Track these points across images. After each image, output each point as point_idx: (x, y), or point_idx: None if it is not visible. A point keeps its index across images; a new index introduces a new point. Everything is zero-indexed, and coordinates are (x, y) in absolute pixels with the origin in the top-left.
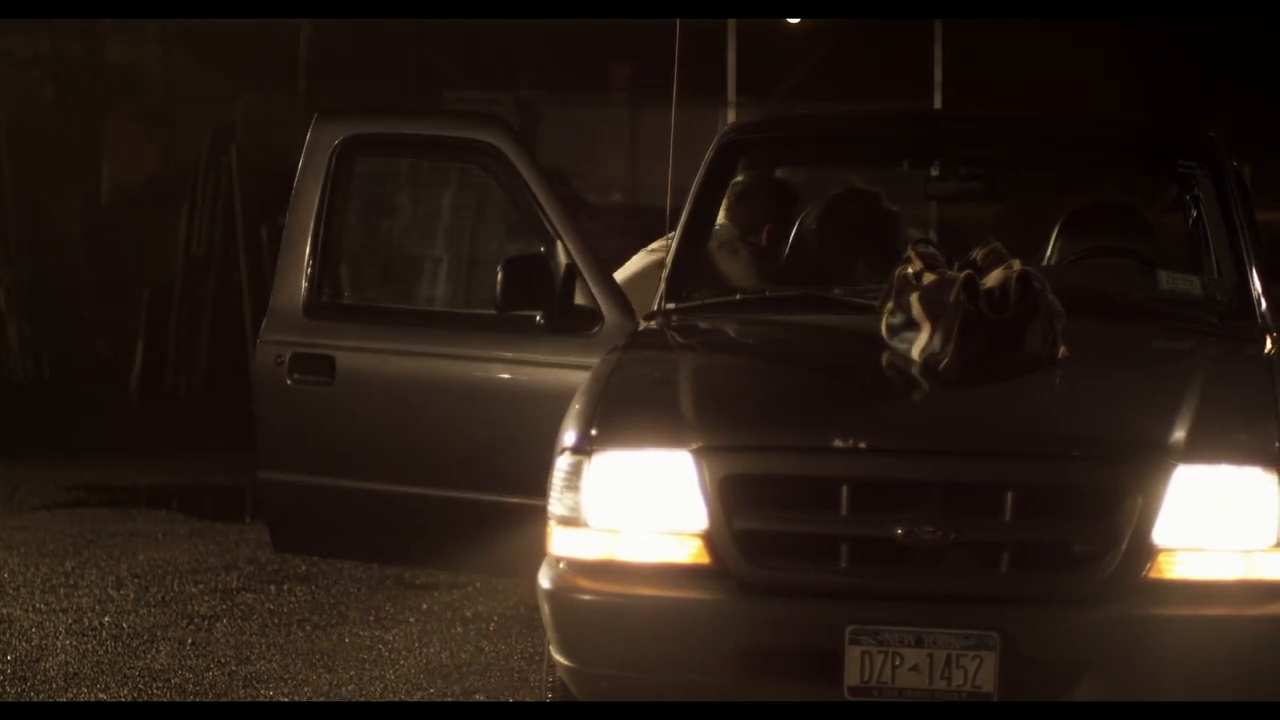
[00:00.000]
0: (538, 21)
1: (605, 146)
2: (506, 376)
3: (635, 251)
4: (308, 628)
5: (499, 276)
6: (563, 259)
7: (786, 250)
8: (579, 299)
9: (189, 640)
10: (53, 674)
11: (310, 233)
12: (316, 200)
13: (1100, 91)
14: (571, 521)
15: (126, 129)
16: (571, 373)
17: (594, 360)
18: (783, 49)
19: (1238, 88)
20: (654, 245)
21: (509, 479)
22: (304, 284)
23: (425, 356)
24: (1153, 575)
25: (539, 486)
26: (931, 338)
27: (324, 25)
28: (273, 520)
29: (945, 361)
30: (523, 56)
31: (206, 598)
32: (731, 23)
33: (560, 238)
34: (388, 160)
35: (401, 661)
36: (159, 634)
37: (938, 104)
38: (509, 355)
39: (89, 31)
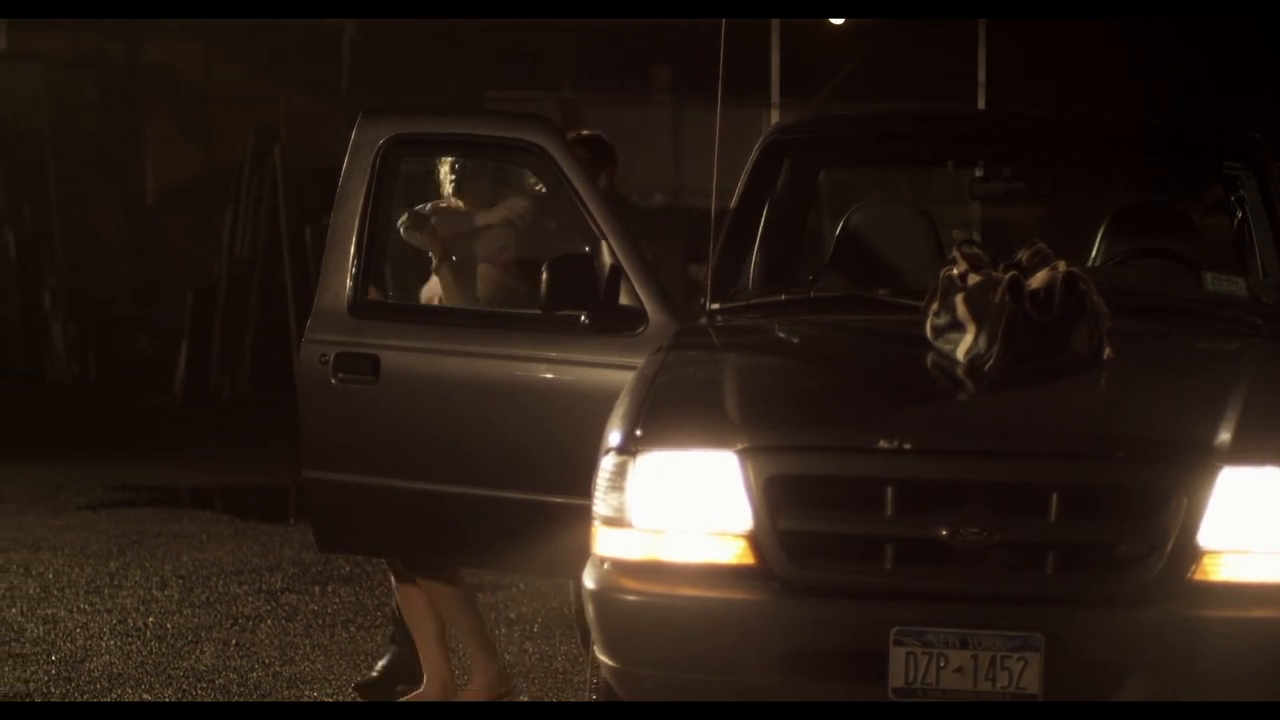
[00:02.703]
0: (580, 22)
1: (648, 147)
2: (551, 376)
3: (679, 252)
4: (351, 629)
5: (544, 276)
6: (607, 259)
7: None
8: (624, 299)
9: (233, 641)
10: (97, 674)
11: (355, 232)
12: (361, 200)
13: (1145, 92)
14: (616, 522)
15: (169, 130)
16: (617, 373)
17: (639, 360)
18: (826, 50)
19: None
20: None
21: (554, 479)
22: (349, 283)
23: (470, 356)
24: (1198, 577)
25: (584, 487)
26: (976, 339)
27: (367, 26)
28: (317, 520)
29: (990, 362)
30: (565, 57)
31: (250, 599)
32: (775, 23)
33: (605, 238)
34: (432, 160)
35: None
36: (203, 635)
37: (981, 105)
38: (554, 355)
39: (131, 32)
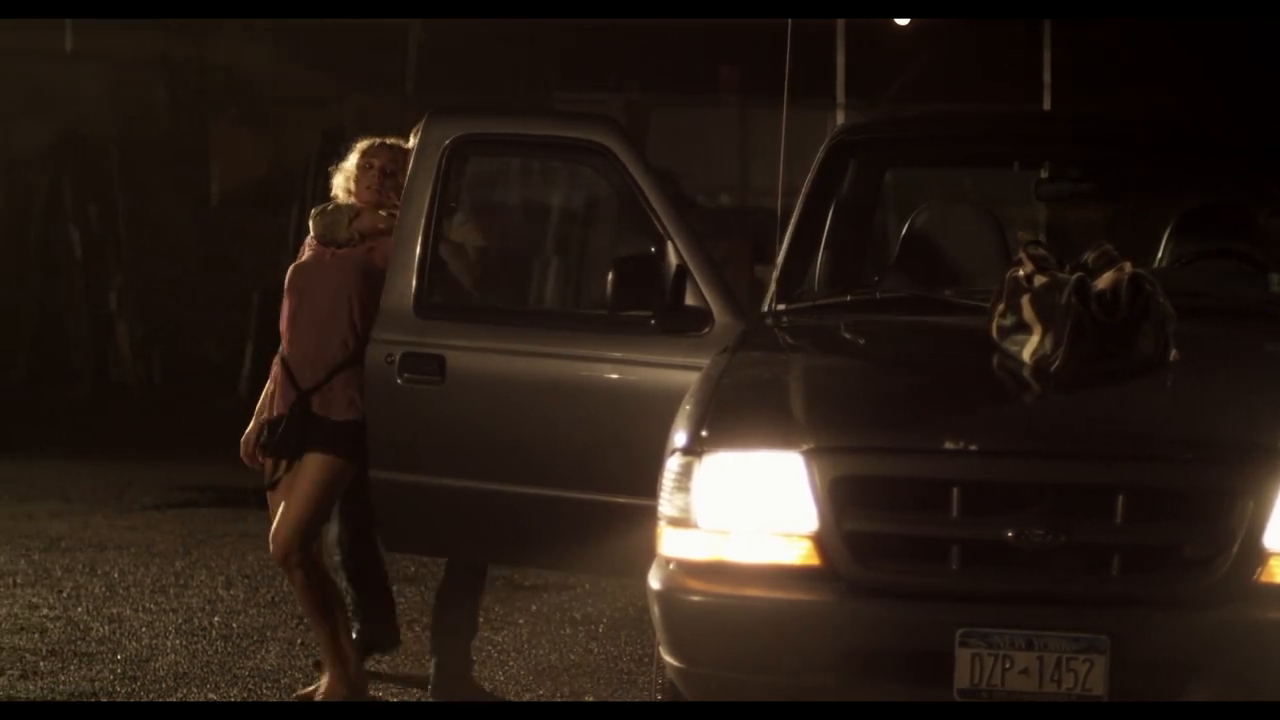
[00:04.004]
0: (647, 22)
1: (714, 148)
2: (616, 377)
3: (745, 252)
4: (416, 629)
5: (610, 276)
6: (673, 260)
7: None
8: (690, 299)
9: (299, 641)
10: (163, 674)
11: (421, 232)
12: (427, 199)
13: (1213, 93)
14: (682, 522)
15: (235, 130)
16: (683, 373)
17: (705, 361)
18: (892, 50)
19: None
20: None
21: (620, 479)
22: (414, 283)
23: (535, 356)
24: (1264, 579)
25: (649, 487)
26: (1043, 340)
27: (433, 26)
28: (383, 519)
29: (1056, 364)
30: (631, 58)
31: None
32: (840, 23)
33: (672, 239)
34: (498, 160)
35: (510, 663)
36: (268, 634)
37: (1047, 105)
38: (619, 355)
39: (197, 33)
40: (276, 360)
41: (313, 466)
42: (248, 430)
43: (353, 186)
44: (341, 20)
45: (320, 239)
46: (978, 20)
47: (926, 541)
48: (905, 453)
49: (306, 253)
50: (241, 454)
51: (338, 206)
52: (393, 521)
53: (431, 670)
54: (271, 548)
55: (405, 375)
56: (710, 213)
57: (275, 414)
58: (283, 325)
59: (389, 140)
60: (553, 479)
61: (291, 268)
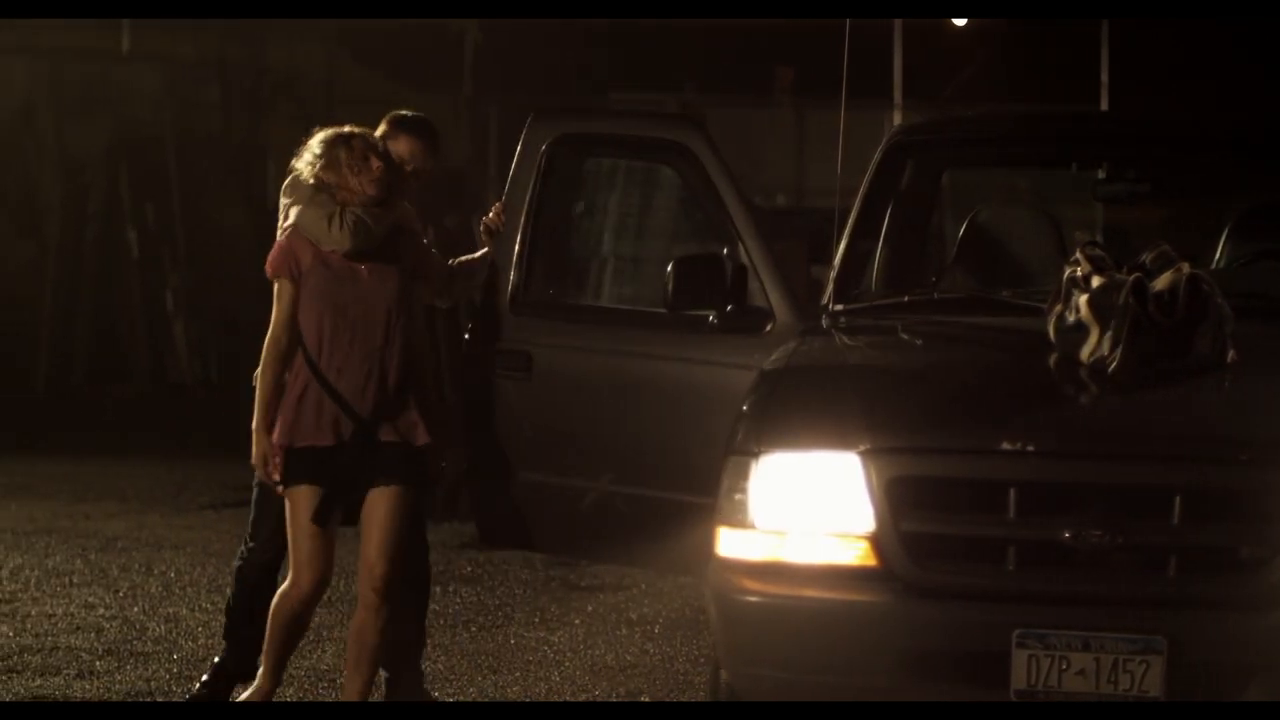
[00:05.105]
0: (703, 22)
1: (770, 148)
2: (686, 375)
3: (802, 252)
4: (473, 629)
5: (669, 275)
6: (743, 260)
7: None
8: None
9: None
10: None
11: (520, 230)
12: (528, 198)
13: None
14: (738, 523)
15: (290, 131)
16: (747, 373)
17: (765, 360)
18: (949, 50)
19: None
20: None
21: (694, 477)
22: (513, 281)
23: (609, 354)
24: None
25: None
26: (1100, 340)
27: (489, 27)
28: (479, 513)
29: (1114, 364)
30: (687, 58)
31: None
32: (898, 23)
33: (741, 239)
34: (593, 159)
35: (566, 663)
36: (324, 634)
37: (1104, 106)
38: (687, 354)
39: (253, 33)
40: (302, 373)
41: (406, 498)
42: (263, 449)
43: (354, 183)
44: (397, 20)
45: (353, 255)
46: (1035, 20)
47: (983, 542)
48: (962, 453)
49: (308, 255)
50: (263, 474)
51: (355, 215)
52: (489, 515)
53: (383, 685)
54: (370, 582)
55: (499, 371)
56: (766, 213)
57: (313, 440)
58: (310, 338)
59: (356, 130)
60: (630, 476)
61: (316, 278)
